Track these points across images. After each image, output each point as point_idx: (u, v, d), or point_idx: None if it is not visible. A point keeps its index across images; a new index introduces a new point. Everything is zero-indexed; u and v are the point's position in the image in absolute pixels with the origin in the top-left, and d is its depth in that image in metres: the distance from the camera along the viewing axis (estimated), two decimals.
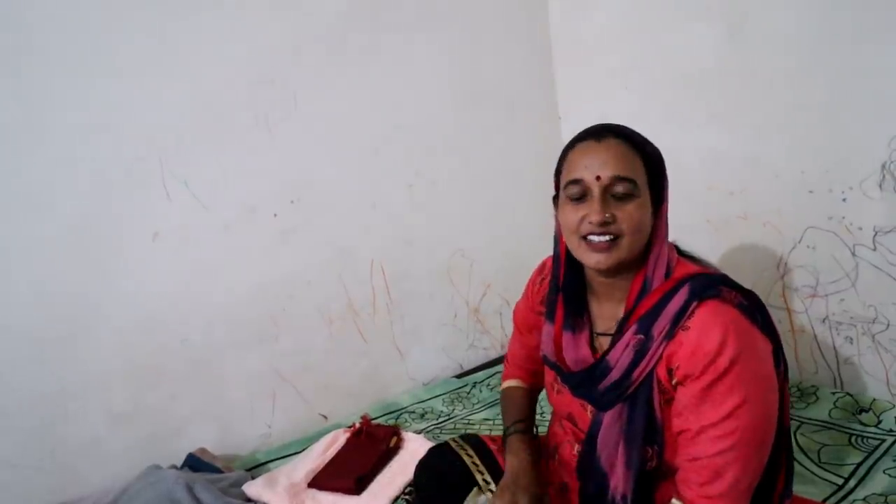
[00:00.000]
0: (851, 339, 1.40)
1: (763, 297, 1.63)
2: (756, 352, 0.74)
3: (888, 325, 1.33)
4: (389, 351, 1.76)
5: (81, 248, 1.30)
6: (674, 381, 0.76)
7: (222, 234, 1.47)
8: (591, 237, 0.78)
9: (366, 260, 1.70)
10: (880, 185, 1.29)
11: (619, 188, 0.77)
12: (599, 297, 0.87)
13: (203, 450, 1.40)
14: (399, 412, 1.65)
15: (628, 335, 0.79)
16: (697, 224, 1.63)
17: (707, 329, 0.73)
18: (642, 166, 0.79)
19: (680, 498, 0.76)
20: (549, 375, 0.96)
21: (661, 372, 0.77)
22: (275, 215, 1.54)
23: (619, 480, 0.80)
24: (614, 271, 0.81)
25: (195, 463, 1.34)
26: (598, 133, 0.81)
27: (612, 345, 0.81)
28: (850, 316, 1.39)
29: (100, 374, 1.34)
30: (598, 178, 0.77)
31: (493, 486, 0.96)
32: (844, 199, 1.35)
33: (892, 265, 1.30)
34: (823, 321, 1.44)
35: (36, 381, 1.27)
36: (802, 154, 1.41)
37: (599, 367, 0.81)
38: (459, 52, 1.82)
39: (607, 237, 0.77)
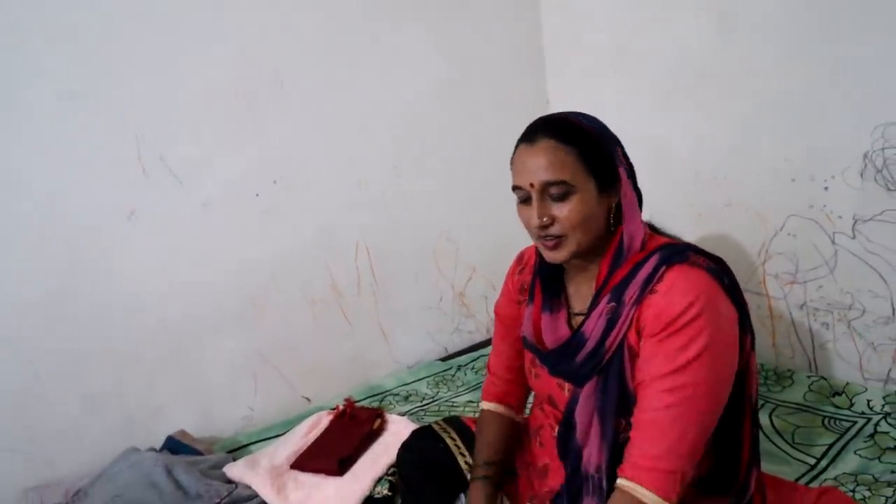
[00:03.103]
0: (828, 324, 1.43)
1: (744, 284, 1.65)
2: (719, 313, 0.75)
3: (864, 311, 1.36)
4: (374, 333, 1.76)
5: (53, 226, 1.26)
6: (641, 343, 0.78)
7: (202, 213, 1.43)
8: (541, 237, 0.81)
9: (350, 241, 1.68)
10: (861, 174, 1.31)
11: (553, 191, 0.79)
12: (575, 279, 0.89)
13: (183, 432, 1.38)
14: (383, 395, 1.65)
15: (602, 305, 0.80)
16: (682, 211, 1.64)
17: (674, 289, 0.75)
18: (577, 159, 0.79)
19: (624, 465, 0.75)
20: (527, 360, 0.96)
21: (633, 337, 0.78)
22: (256, 195, 1.51)
23: (592, 452, 0.81)
24: (581, 256, 0.83)
25: (175, 445, 1.33)
26: (531, 135, 0.81)
27: (587, 316, 0.82)
28: (827, 302, 1.42)
29: (75, 355, 1.30)
30: (531, 184, 0.79)
31: None
32: (826, 188, 1.37)
33: (870, 253, 1.32)
34: (801, 307, 1.47)
35: (8, 363, 1.23)
36: (786, 142, 1.42)
37: (575, 339, 0.82)
38: (448, 35, 1.78)
39: (552, 238, 0.80)
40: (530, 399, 1.04)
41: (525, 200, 0.82)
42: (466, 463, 0.99)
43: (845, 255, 1.36)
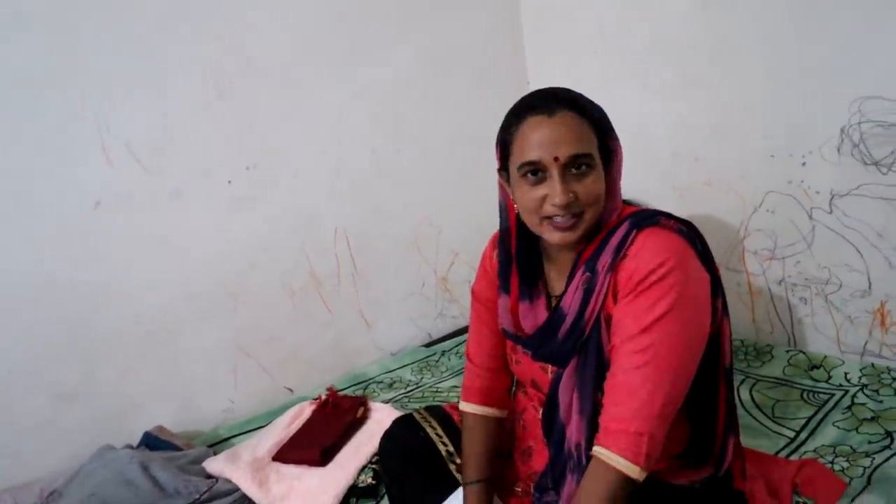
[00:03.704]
0: (805, 299, 1.44)
1: (724, 262, 1.65)
2: (689, 273, 0.74)
3: (840, 285, 1.37)
4: (356, 321, 1.73)
5: (14, 219, 1.20)
6: (615, 308, 0.76)
7: (172, 201, 1.38)
8: (556, 218, 0.76)
9: (329, 228, 1.65)
10: (838, 149, 1.31)
11: (578, 165, 0.75)
12: (556, 262, 0.86)
13: (160, 428, 1.35)
14: (367, 382, 1.64)
15: (577, 277, 0.79)
16: (662, 190, 1.64)
17: (644, 250, 0.74)
18: (593, 134, 0.77)
19: (598, 434, 0.73)
20: (507, 347, 0.95)
21: (610, 305, 0.76)
22: (229, 182, 1.46)
23: (573, 430, 0.79)
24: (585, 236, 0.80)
25: (152, 441, 1.29)
26: (548, 105, 0.76)
27: (564, 292, 0.80)
28: (805, 277, 1.43)
29: (45, 351, 1.26)
30: (556, 158, 0.74)
31: (456, 459, 0.96)
32: (804, 164, 1.37)
33: (847, 227, 1.33)
34: (780, 283, 1.48)
35: None
36: (766, 119, 1.42)
37: (555, 316, 0.81)
38: (426, 17, 1.73)
39: (571, 217, 0.75)
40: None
41: (536, 178, 0.76)
42: (448, 452, 0.98)
43: (822, 230, 1.37)
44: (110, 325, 1.33)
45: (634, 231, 0.76)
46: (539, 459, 0.92)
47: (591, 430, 0.77)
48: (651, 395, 0.70)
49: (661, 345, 0.71)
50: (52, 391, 1.27)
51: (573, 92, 0.80)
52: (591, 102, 0.80)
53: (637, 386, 0.71)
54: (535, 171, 0.75)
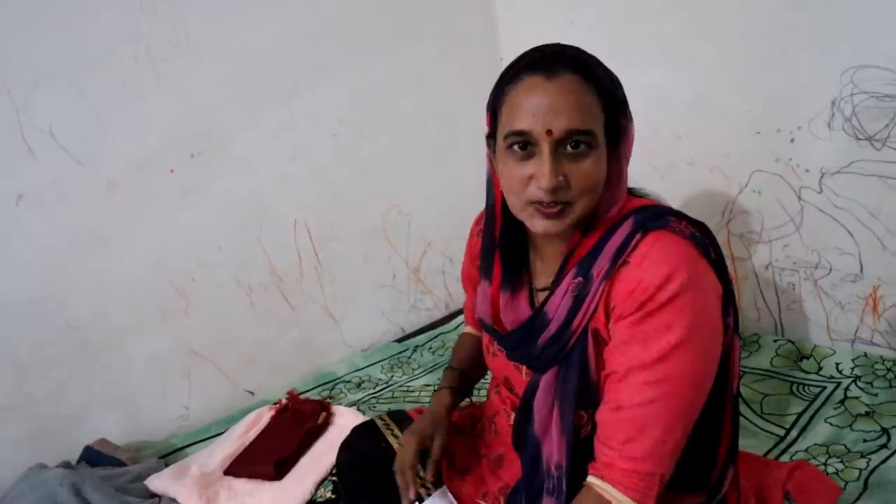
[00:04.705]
0: (794, 284, 1.37)
1: None
2: (703, 289, 0.63)
3: (830, 269, 1.30)
4: (321, 318, 1.63)
5: None
6: (610, 325, 0.66)
7: (107, 194, 1.26)
8: (538, 202, 0.65)
9: (287, 220, 1.53)
10: (829, 124, 1.22)
11: (574, 143, 0.63)
12: (542, 252, 0.76)
13: (103, 441, 1.24)
14: (334, 383, 1.54)
15: (567, 280, 0.68)
16: (643, 170, 1.54)
17: (649, 259, 0.63)
18: (600, 107, 0.65)
19: (597, 464, 0.65)
20: (485, 337, 0.86)
21: (600, 317, 0.67)
22: (172, 171, 1.33)
23: (552, 448, 0.71)
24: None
25: (93, 457, 1.19)
26: (549, 66, 0.64)
27: (551, 293, 0.70)
28: (793, 261, 1.35)
29: None
30: (549, 132, 0.62)
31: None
32: (792, 140, 1.28)
33: (838, 208, 1.25)
34: (767, 267, 1.40)
35: None
36: (750, 92, 1.32)
37: (537, 320, 0.71)
38: None
39: (557, 203, 0.64)
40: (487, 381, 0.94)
41: (524, 152, 0.64)
42: None
43: (812, 211, 1.29)
44: (40, 334, 1.21)
45: (639, 234, 0.65)
46: (511, 469, 0.84)
47: (572, 450, 0.68)
48: (666, 434, 0.62)
49: (675, 376, 0.62)
50: None
51: (585, 52, 0.67)
52: (605, 68, 0.67)
53: (651, 422, 0.62)
54: (524, 143, 0.64)
